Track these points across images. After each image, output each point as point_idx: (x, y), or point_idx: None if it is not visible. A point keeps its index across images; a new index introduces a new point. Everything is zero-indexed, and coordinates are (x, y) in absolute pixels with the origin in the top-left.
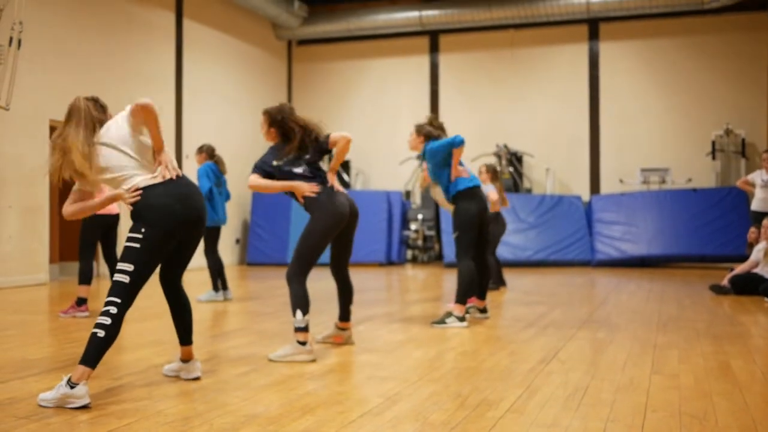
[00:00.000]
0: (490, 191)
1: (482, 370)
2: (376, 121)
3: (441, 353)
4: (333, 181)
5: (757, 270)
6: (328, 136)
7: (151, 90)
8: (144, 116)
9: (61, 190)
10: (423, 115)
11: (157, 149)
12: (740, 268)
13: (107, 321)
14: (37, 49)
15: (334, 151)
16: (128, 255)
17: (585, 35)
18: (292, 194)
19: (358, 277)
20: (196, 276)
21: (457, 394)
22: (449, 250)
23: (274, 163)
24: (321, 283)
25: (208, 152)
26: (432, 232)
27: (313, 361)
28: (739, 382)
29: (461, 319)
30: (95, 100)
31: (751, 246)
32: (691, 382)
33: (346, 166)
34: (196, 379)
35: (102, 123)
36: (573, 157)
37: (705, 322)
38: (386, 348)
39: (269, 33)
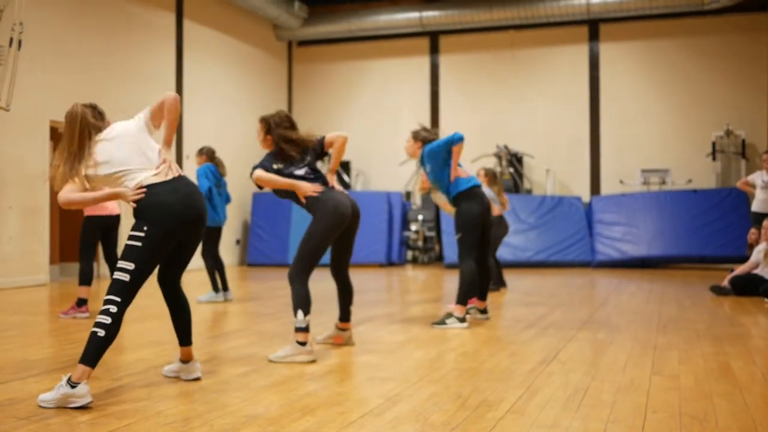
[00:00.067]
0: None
1: (483, 371)
2: (377, 122)
3: (441, 354)
4: (333, 181)
5: (757, 271)
6: (323, 138)
7: (151, 90)
8: (172, 110)
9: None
10: (423, 115)
11: (168, 144)
12: (740, 269)
13: (107, 320)
14: (37, 50)
15: (332, 151)
16: (130, 253)
17: (585, 36)
18: (293, 197)
19: (358, 277)
20: (196, 277)
21: (458, 394)
22: (449, 251)
23: (275, 166)
24: (322, 284)
25: (208, 154)
26: (432, 233)
27: (313, 361)
28: (740, 383)
29: (462, 319)
30: (93, 107)
31: (752, 247)
32: (691, 383)
33: (346, 166)
34: (197, 379)
35: (99, 130)
36: (573, 157)
37: (705, 323)
38: (386, 349)
39: (269, 34)
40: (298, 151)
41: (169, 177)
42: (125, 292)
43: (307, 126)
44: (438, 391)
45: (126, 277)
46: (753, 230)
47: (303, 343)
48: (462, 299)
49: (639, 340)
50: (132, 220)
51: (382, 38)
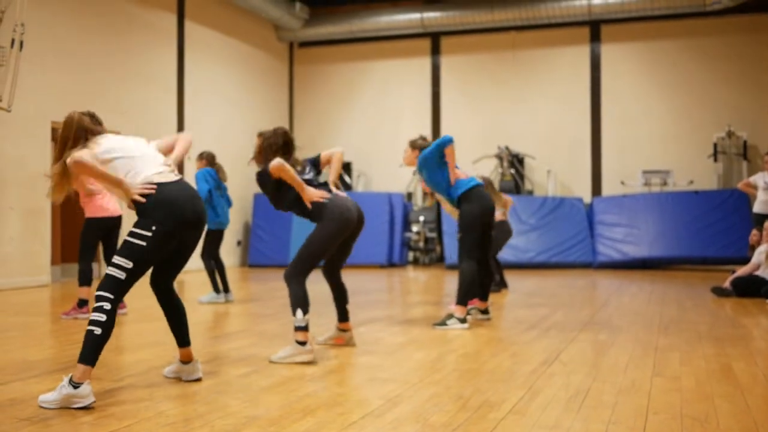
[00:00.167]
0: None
1: (484, 372)
2: (378, 122)
3: (442, 355)
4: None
5: (758, 272)
6: (318, 156)
7: (152, 91)
8: (184, 148)
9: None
10: (424, 117)
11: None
12: (742, 271)
13: (102, 317)
14: (38, 51)
15: (330, 166)
16: (130, 251)
17: (586, 37)
18: (295, 208)
19: (359, 278)
20: (196, 277)
21: (459, 395)
22: (451, 252)
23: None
24: (319, 285)
25: (208, 159)
26: (433, 234)
27: (314, 361)
28: (741, 385)
29: (462, 320)
30: (91, 115)
31: (753, 248)
32: (692, 385)
33: (347, 168)
34: (197, 380)
35: (96, 134)
36: (574, 158)
37: (707, 324)
38: (387, 350)
39: (271, 35)
40: (299, 163)
41: (174, 178)
42: (118, 290)
43: (308, 127)
44: (439, 392)
45: (122, 275)
46: (754, 231)
47: (303, 343)
48: (462, 300)
49: (640, 341)
50: (133, 221)
51: (383, 39)
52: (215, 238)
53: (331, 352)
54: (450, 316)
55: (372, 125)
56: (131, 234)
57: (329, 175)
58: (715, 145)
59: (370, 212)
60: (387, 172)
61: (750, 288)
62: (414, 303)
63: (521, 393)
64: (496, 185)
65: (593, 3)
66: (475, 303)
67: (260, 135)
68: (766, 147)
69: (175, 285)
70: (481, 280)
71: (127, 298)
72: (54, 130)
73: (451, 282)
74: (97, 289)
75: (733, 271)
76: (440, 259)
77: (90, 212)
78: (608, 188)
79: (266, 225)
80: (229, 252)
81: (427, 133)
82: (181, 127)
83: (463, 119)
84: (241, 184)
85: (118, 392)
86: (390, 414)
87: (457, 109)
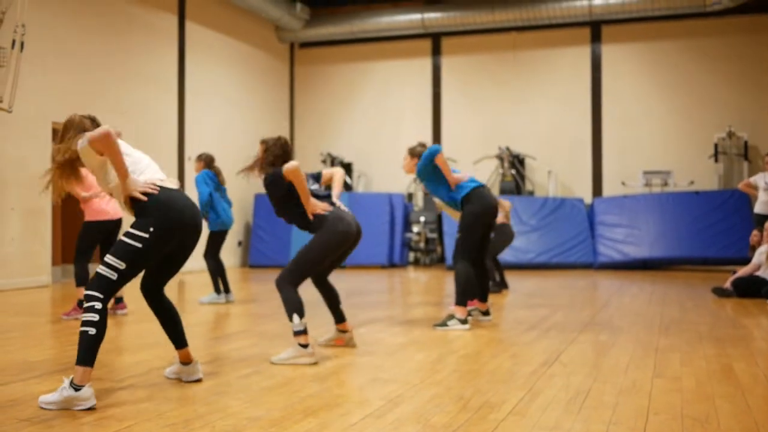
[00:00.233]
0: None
1: (484, 373)
2: (379, 123)
3: (443, 356)
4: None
5: (759, 273)
6: (320, 173)
7: (153, 91)
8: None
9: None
10: (425, 117)
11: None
12: (743, 271)
13: (95, 318)
14: (38, 51)
15: (333, 184)
16: (125, 252)
17: (587, 38)
18: (296, 220)
19: (359, 279)
20: (197, 278)
21: (459, 396)
22: (451, 253)
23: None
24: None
25: (206, 161)
26: (434, 235)
27: (315, 363)
28: (742, 385)
29: (463, 321)
30: (92, 119)
31: (754, 249)
32: (693, 385)
33: (348, 169)
34: (198, 381)
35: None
36: (575, 159)
37: (707, 324)
38: (388, 350)
39: (271, 35)
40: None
41: (175, 186)
42: (109, 290)
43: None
44: (439, 392)
45: (113, 276)
46: (755, 232)
47: (304, 345)
48: (461, 300)
49: (641, 341)
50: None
51: (384, 40)
52: (218, 239)
53: (332, 353)
54: (451, 316)
55: (373, 126)
56: (127, 234)
57: (332, 189)
58: (716, 146)
59: (371, 213)
60: (388, 172)
61: (751, 288)
62: (415, 304)
63: (522, 394)
64: (497, 186)
65: (594, 4)
66: (475, 304)
67: (263, 142)
68: (767, 147)
69: (176, 285)
70: (479, 281)
71: (128, 299)
72: (55, 131)
73: (451, 283)
74: (87, 288)
75: (734, 272)
76: (441, 260)
77: (89, 215)
78: (609, 189)
79: (267, 225)
80: (229, 252)
81: (428, 133)
82: (181, 128)
83: (463, 120)
84: (242, 185)
85: (119, 393)
86: (391, 415)
87: (457, 109)
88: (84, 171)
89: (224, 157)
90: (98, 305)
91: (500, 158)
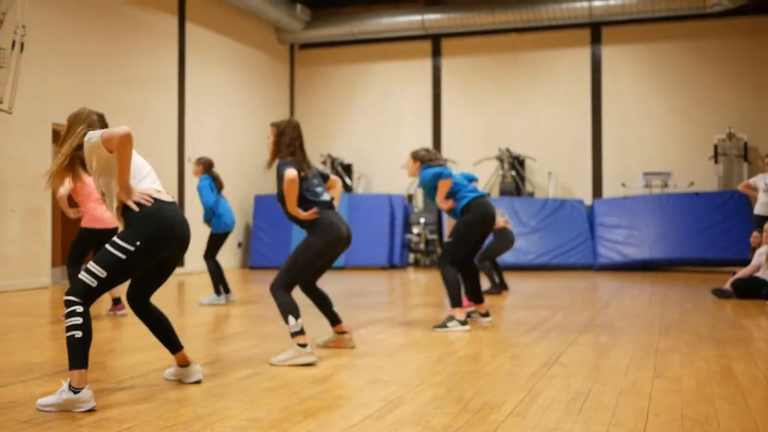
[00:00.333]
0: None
1: (484, 374)
2: (379, 124)
3: (443, 357)
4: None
5: (759, 274)
6: (329, 176)
7: (153, 93)
8: None
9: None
10: (425, 118)
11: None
12: (742, 272)
13: (78, 321)
14: (38, 52)
15: (334, 192)
16: (108, 261)
17: (587, 39)
18: (293, 219)
19: (359, 280)
20: (197, 279)
21: (459, 397)
22: None
23: (302, 173)
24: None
25: (205, 165)
26: (434, 236)
27: (315, 363)
28: (742, 386)
29: (463, 322)
30: (101, 116)
31: (754, 250)
32: (693, 386)
33: (348, 170)
34: (197, 382)
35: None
36: (575, 160)
37: (707, 326)
38: (388, 352)
39: (272, 36)
40: (310, 167)
41: (170, 200)
42: (89, 296)
43: (309, 128)
44: (439, 394)
45: (93, 283)
46: (755, 233)
47: (303, 345)
48: (456, 301)
49: (641, 343)
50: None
51: (384, 41)
52: (218, 241)
53: (332, 354)
54: (451, 318)
55: (373, 127)
56: (112, 244)
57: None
58: (716, 147)
59: (371, 214)
60: (388, 173)
61: (750, 289)
62: (414, 305)
63: (522, 395)
64: (497, 187)
65: (594, 5)
66: (471, 306)
67: (275, 125)
68: (767, 148)
69: (176, 286)
70: (471, 284)
71: None
72: (55, 132)
73: None
74: (66, 294)
75: (734, 273)
76: None
77: (86, 222)
78: (609, 190)
79: (267, 227)
80: (229, 254)
81: (428, 134)
82: (181, 129)
83: (463, 121)
84: (242, 186)
85: (118, 395)
86: (391, 416)
87: (457, 111)
88: (87, 178)
89: (224, 158)
90: (80, 309)
91: (500, 159)
